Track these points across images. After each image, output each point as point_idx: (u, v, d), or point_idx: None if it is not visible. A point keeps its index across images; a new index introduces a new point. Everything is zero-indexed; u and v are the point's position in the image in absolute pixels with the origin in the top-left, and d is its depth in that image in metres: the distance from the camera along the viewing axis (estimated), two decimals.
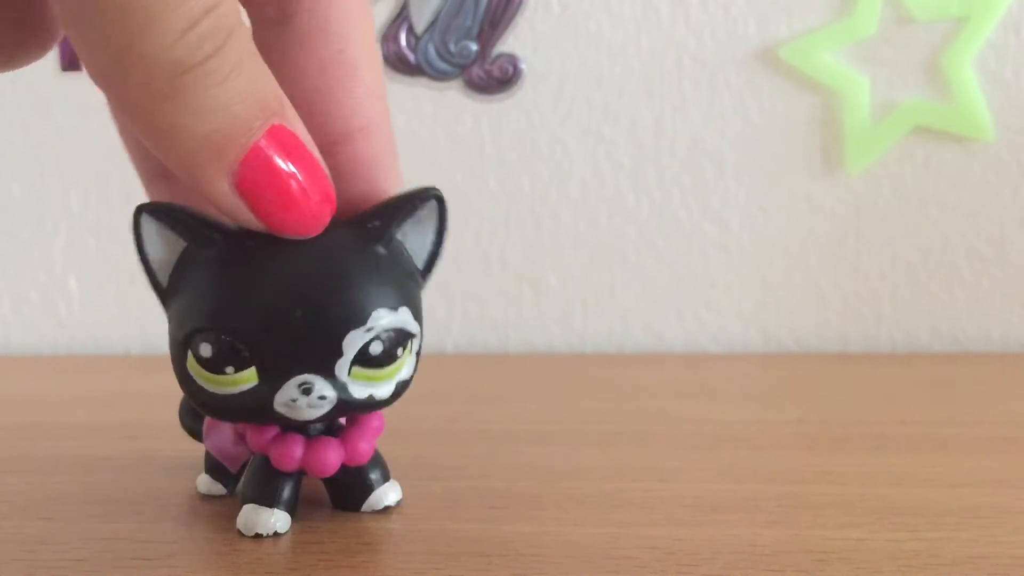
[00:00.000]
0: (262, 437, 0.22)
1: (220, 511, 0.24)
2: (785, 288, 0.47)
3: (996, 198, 0.46)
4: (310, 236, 0.19)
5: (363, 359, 0.20)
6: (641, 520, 0.23)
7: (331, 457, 0.22)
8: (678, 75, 0.47)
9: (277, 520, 0.22)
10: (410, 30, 0.47)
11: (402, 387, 0.21)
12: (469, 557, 0.21)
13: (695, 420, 0.33)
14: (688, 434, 0.31)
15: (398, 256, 0.21)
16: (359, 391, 0.20)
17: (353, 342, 0.19)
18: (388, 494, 0.23)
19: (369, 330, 0.19)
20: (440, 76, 0.47)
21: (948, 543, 0.21)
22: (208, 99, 0.16)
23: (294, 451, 0.22)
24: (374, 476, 0.23)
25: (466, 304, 0.48)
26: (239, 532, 0.22)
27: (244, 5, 0.20)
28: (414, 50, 0.47)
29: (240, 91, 0.16)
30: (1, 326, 0.52)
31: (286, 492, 0.22)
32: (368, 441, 0.22)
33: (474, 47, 0.47)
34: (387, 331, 0.20)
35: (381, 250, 0.20)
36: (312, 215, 0.18)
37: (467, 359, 0.46)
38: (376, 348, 0.20)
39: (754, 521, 0.22)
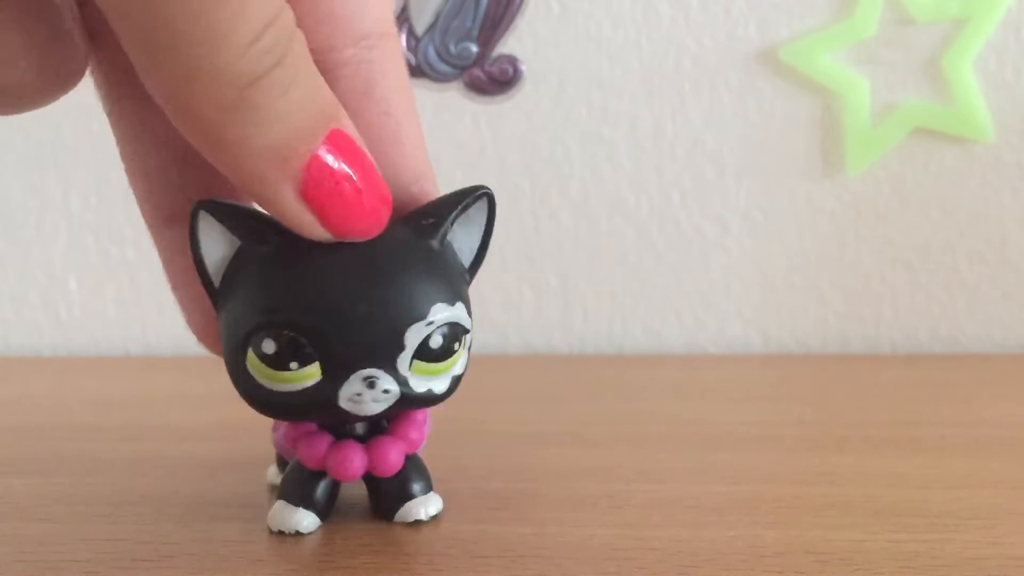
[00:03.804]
0: (294, 432, 0.23)
1: (220, 512, 0.24)
2: (785, 289, 0.48)
3: (996, 199, 0.46)
4: (370, 238, 0.19)
5: (423, 353, 0.20)
6: (641, 521, 0.23)
7: (355, 461, 0.22)
8: (678, 76, 0.47)
9: (301, 520, 0.22)
10: (410, 31, 0.47)
11: (456, 382, 0.21)
12: (468, 558, 0.21)
13: (695, 421, 0.33)
14: (688, 435, 0.31)
15: (449, 253, 0.21)
16: (419, 385, 0.20)
17: (415, 336, 0.20)
18: (424, 506, 0.23)
19: (429, 324, 0.20)
20: (440, 77, 0.47)
21: (948, 544, 0.21)
22: (273, 109, 0.16)
23: (319, 450, 0.22)
24: (416, 487, 0.23)
25: None
26: (269, 529, 0.23)
27: None
28: (414, 51, 0.47)
29: (302, 99, 0.16)
30: (1, 327, 0.52)
31: (318, 494, 0.23)
32: (397, 452, 0.22)
33: (474, 48, 0.47)
34: (445, 325, 0.20)
35: (436, 246, 0.20)
36: (374, 217, 0.19)
37: None
38: (436, 342, 0.20)
39: (755, 522, 0.22)
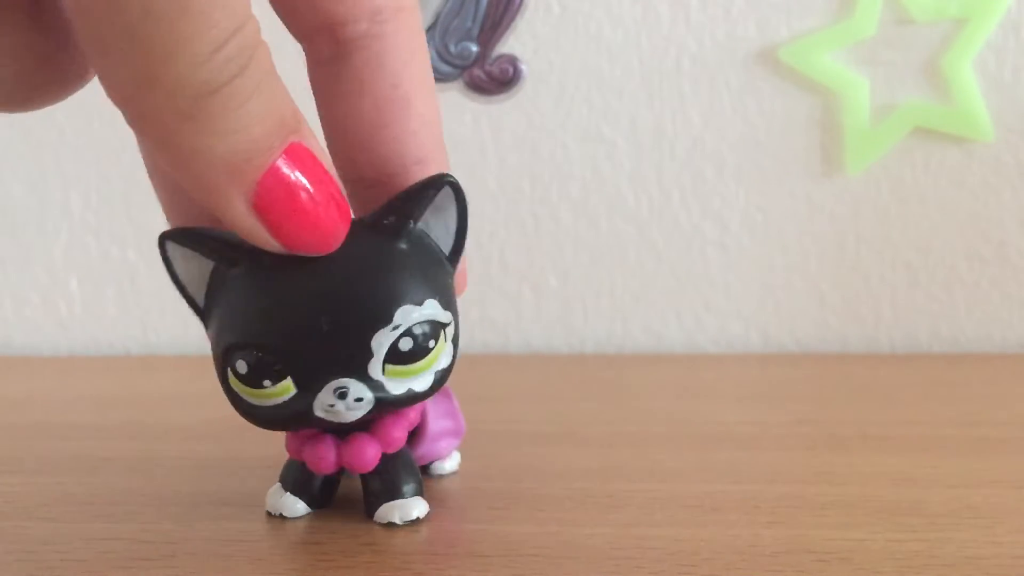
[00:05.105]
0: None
1: (220, 512, 0.24)
2: (785, 289, 0.48)
3: (995, 199, 0.46)
4: (326, 253, 0.19)
5: (394, 357, 0.20)
6: (641, 521, 0.23)
7: (328, 456, 0.22)
8: (678, 76, 0.47)
9: (286, 505, 0.23)
10: None
11: (441, 376, 0.21)
12: (469, 557, 0.21)
13: (695, 421, 0.33)
14: (688, 435, 0.31)
15: (421, 247, 0.21)
16: (396, 387, 0.20)
17: (382, 342, 0.20)
18: (401, 509, 0.23)
19: (396, 328, 0.20)
20: (441, 77, 0.47)
21: (947, 543, 0.21)
22: (231, 120, 0.16)
23: (298, 441, 0.22)
24: (404, 488, 0.23)
25: (466, 305, 0.48)
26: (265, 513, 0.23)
27: (299, 42, 0.20)
28: None
29: (261, 110, 0.16)
30: (2, 327, 0.52)
31: (312, 483, 0.23)
32: (373, 450, 0.22)
33: (474, 48, 0.47)
34: (415, 326, 0.20)
35: (402, 245, 0.20)
36: (328, 232, 0.18)
37: (467, 360, 0.46)
38: (406, 344, 0.20)
39: (754, 522, 0.23)
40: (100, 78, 0.16)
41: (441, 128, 0.21)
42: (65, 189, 0.50)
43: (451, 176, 0.21)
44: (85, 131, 0.50)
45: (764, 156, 0.47)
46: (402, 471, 0.23)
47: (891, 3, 0.45)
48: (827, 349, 0.47)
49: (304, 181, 0.17)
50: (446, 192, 0.21)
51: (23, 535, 0.23)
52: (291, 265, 0.19)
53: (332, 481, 0.24)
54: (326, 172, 0.18)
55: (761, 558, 0.20)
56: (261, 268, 0.19)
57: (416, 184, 0.21)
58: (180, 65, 0.15)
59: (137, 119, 0.16)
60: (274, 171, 0.17)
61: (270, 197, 0.17)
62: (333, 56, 0.20)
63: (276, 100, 0.17)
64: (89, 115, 0.49)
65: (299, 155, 0.17)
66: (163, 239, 0.20)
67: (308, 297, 0.19)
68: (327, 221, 0.18)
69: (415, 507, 0.23)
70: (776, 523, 0.22)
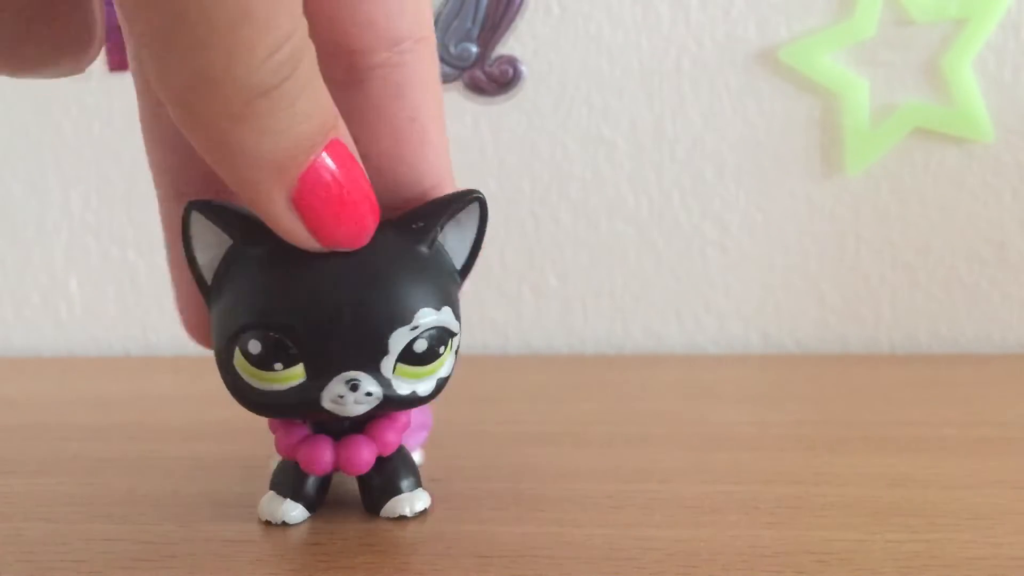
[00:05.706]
0: (276, 420, 0.23)
1: (220, 512, 0.24)
2: (785, 289, 0.48)
3: (995, 199, 0.46)
4: (356, 248, 0.19)
5: (407, 357, 0.20)
6: (641, 521, 0.23)
7: (324, 457, 0.22)
8: (678, 77, 0.47)
9: (288, 511, 0.23)
10: None
11: (442, 383, 0.22)
12: (469, 558, 0.21)
13: (695, 421, 0.33)
14: (688, 435, 0.31)
15: (439, 256, 0.21)
16: (403, 388, 0.21)
17: (399, 340, 0.20)
18: (411, 502, 0.23)
19: (414, 328, 0.20)
20: (441, 78, 0.47)
21: (947, 544, 0.21)
22: (280, 120, 0.16)
23: (292, 440, 0.22)
24: (404, 483, 0.23)
25: (466, 306, 0.48)
26: (261, 522, 0.23)
27: None
28: None
29: (306, 110, 0.17)
30: (2, 327, 0.52)
31: (307, 486, 0.23)
32: (369, 452, 0.22)
33: (474, 49, 0.47)
34: (430, 330, 0.20)
35: (424, 250, 0.21)
36: (361, 228, 0.19)
37: (467, 360, 0.46)
38: (420, 346, 0.20)
39: (754, 522, 0.23)
40: (150, 73, 0.16)
41: (448, 149, 0.22)
42: (65, 189, 0.50)
43: (481, 194, 0.21)
44: (85, 131, 0.50)
45: (764, 157, 0.47)
46: (402, 466, 0.23)
47: (891, 4, 0.45)
48: (827, 349, 0.47)
49: (341, 177, 0.18)
50: (473, 208, 0.21)
51: (23, 536, 0.23)
52: (318, 254, 0.19)
53: (325, 482, 0.24)
54: (360, 168, 0.18)
55: (761, 558, 0.20)
56: (288, 251, 0.19)
57: (448, 195, 0.21)
58: (238, 67, 0.15)
59: (187, 117, 0.16)
60: (315, 168, 0.17)
61: (309, 193, 0.17)
62: (348, 81, 0.20)
63: (320, 98, 0.17)
64: (89, 115, 0.49)
65: (338, 152, 0.18)
66: (188, 208, 0.20)
67: (335, 286, 0.19)
68: (360, 217, 0.19)
69: (419, 499, 0.23)
70: (776, 524, 0.22)
